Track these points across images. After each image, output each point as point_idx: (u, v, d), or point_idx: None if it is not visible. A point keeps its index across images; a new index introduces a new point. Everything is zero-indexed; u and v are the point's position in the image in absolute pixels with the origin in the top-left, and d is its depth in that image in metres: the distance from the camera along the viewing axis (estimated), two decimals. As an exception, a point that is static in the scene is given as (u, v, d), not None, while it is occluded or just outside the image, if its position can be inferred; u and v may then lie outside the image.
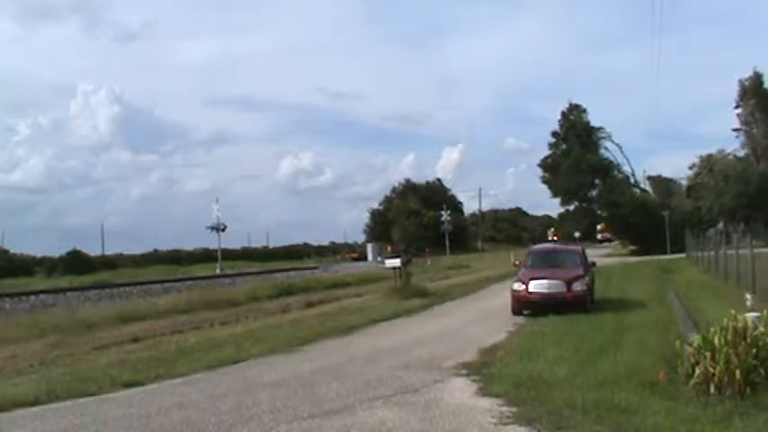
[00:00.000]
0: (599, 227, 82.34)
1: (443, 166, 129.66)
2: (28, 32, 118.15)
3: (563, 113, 59.41)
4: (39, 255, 64.50)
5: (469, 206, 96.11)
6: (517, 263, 17.86)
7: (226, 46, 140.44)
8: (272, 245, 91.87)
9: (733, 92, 55.17)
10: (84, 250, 65.80)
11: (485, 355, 9.43)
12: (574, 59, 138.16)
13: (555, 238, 56.08)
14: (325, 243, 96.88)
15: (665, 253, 43.52)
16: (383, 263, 24.25)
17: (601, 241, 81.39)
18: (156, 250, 76.06)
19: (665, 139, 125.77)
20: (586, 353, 8.93)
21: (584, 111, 59.47)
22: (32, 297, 28.23)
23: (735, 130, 56.82)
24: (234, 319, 16.10)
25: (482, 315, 15.24)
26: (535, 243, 33.54)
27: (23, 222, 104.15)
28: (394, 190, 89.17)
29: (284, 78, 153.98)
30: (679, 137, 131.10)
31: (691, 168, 63.14)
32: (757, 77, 53.57)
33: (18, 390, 7.75)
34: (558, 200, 61.10)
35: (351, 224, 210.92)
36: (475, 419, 5.99)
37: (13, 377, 9.08)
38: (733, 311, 6.91)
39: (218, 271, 48.22)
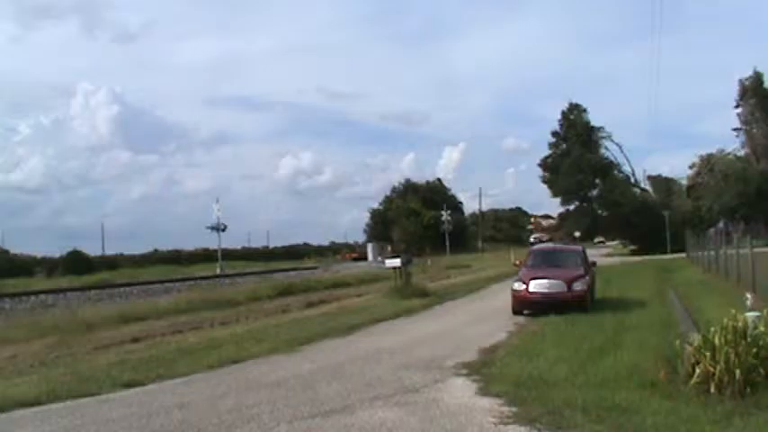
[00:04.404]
0: (532, 223, 77.24)
1: (443, 166, 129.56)
2: (28, 32, 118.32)
3: (563, 113, 59.56)
4: (39, 255, 64.72)
5: (469, 206, 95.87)
6: (517, 263, 17.89)
7: (226, 46, 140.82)
8: (272, 245, 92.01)
9: (733, 92, 55.41)
10: (85, 250, 65.96)
11: (485, 354, 9.43)
12: (574, 59, 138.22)
13: (551, 238, 56.18)
14: (326, 243, 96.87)
15: (666, 252, 43.56)
16: (383, 263, 24.27)
17: (534, 244, 72.13)
18: (156, 250, 76.09)
19: (665, 138, 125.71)
20: (587, 353, 8.93)
21: (585, 110, 59.74)
22: (32, 297, 28.19)
23: (735, 129, 57.06)
24: (234, 319, 16.09)
25: (482, 315, 15.23)
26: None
27: (23, 222, 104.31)
28: (394, 190, 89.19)
29: (284, 78, 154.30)
30: (679, 137, 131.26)
31: (691, 168, 63.34)
32: (757, 77, 53.70)
33: (18, 390, 7.74)
34: (558, 200, 61.31)
35: (351, 224, 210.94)
36: (475, 419, 5.99)
37: (13, 377, 9.06)
38: (733, 311, 6.92)
39: (218, 271, 48.18)
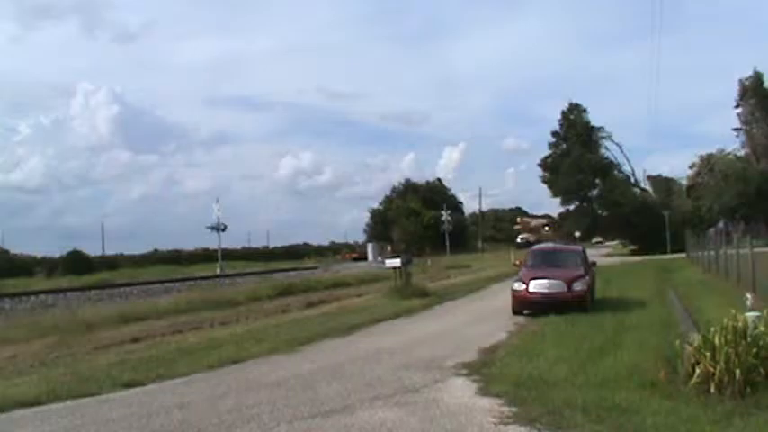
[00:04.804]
0: (518, 222, 76.97)
1: (443, 166, 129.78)
2: (28, 32, 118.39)
3: (563, 113, 59.55)
4: (39, 255, 64.76)
5: (469, 206, 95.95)
6: (518, 263, 17.89)
7: (226, 46, 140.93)
8: (272, 245, 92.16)
9: (733, 92, 55.42)
10: (85, 250, 66.04)
11: (485, 354, 9.43)
12: (574, 59, 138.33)
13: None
14: (326, 243, 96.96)
15: (666, 252, 43.54)
16: (383, 263, 24.25)
17: (521, 245, 69.92)
18: (156, 250, 76.19)
19: (665, 138, 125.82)
20: (586, 352, 8.93)
21: (585, 110, 59.76)
22: (32, 297, 28.19)
23: (735, 129, 57.05)
24: (234, 319, 16.09)
25: (482, 315, 15.23)
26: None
27: (23, 222, 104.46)
28: (394, 190, 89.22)
29: (284, 78, 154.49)
30: (679, 136, 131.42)
31: (691, 168, 63.35)
32: (757, 77, 53.71)
33: (18, 390, 7.74)
34: (558, 200, 61.31)
35: (351, 224, 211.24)
36: (475, 419, 5.98)
37: (13, 377, 9.06)
38: (733, 311, 6.91)
39: (218, 271, 48.18)
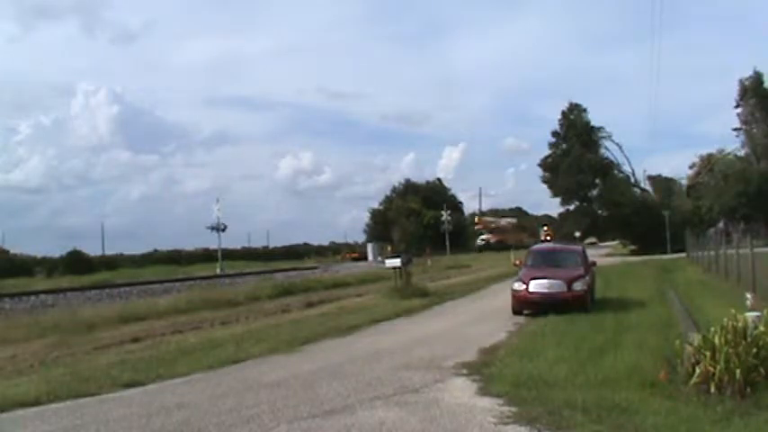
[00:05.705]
0: (478, 222, 77.40)
1: (444, 166, 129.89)
2: (28, 32, 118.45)
3: (563, 113, 59.56)
4: (39, 255, 64.74)
5: (469, 206, 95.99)
6: (517, 263, 17.88)
7: (226, 46, 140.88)
8: (272, 245, 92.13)
9: (733, 92, 55.48)
10: (85, 250, 65.99)
11: (485, 354, 9.42)
12: (574, 59, 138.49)
13: (548, 238, 56.29)
14: (326, 243, 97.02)
15: (666, 252, 43.51)
16: (383, 263, 24.24)
17: (481, 248, 74.86)
18: (156, 250, 76.25)
19: (666, 138, 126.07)
20: (587, 352, 8.92)
21: (585, 110, 59.76)
22: (32, 297, 28.13)
23: (735, 129, 57.07)
24: (234, 319, 16.09)
25: (482, 315, 15.23)
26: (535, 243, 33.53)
27: (23, 222, 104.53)
28: (394, 190, 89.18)
29: (284, 78, 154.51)
30: (679, 136, 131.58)
31: (691, 168, 63.51)
32: (757, 77, 53.77)
33: (18, 390, 7.74)
34: (558, 199, 61.30)
35: (351, 224, 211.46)
36: (475, 419, 5.98)
37: (13, 377, 9.06)
38: (733, 311, 6.91)
39: (218, 271, 48.15)
